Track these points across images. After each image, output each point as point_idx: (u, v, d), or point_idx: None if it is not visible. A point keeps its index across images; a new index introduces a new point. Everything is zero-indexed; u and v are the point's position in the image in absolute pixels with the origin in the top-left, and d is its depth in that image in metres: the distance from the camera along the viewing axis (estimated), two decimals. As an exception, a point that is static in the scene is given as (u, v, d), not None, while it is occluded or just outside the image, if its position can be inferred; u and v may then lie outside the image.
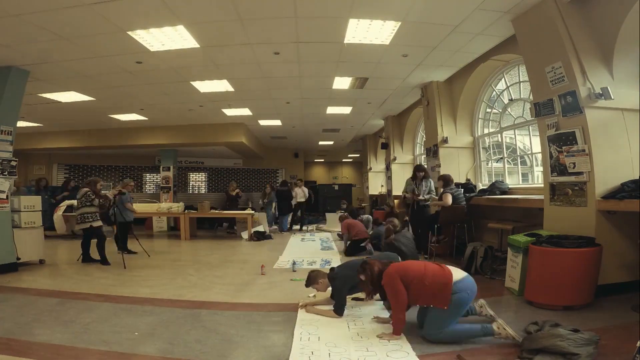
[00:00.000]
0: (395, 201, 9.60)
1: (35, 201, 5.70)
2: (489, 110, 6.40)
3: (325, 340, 2.69)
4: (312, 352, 2.48)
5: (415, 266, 2.83)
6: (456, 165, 6.51)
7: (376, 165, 12.48)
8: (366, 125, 11.27)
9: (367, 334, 2.81)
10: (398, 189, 9.62)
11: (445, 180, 5.67)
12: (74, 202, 8.62)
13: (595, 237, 3.39)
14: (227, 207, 9.90)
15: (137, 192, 13.78)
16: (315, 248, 7.19)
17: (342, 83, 6.86)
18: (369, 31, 4.68)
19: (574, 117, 3.68)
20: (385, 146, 10.05)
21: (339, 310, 3.22)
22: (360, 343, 2.64)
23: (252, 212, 9.09)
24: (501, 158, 6.11)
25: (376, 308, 3.42)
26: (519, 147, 6.01)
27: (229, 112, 8.86)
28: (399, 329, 2.71)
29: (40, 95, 6.89)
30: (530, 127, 5.25)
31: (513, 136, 5.89)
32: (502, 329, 2.57)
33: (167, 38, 4.70)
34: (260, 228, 9.26)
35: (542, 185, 4.23)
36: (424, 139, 7.68)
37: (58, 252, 6.77)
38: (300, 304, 3.47)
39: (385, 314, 3.17)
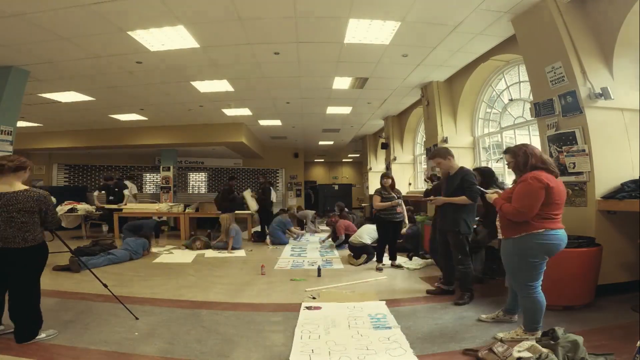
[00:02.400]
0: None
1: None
2: (489, 110, 6.40)
3: (326, 339, 2.70)
4: (313, 351, 2.50)
5: (562, 194, 2.59)
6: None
7: (376, 165, 12.48)
8: (366, 125, 11.27)
9: (367, 332, 2.82)
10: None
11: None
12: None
13: (595, 237, 3.39)
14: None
15: (137, 192, 13.76)
16: (315, 248, 7.19)
17: (342, 83, 6.86)
18: (369, 31, 4.68)
19: (574, 117, 3.68)
20: (385, 146, 10.05)
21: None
22: (360, 342, 2.65)
23: (252, 212, 9.08)
24: (501, 158, 6.11)
25: (377, 303, 3.44)
26: (519, 147, 6.00)
27: (229, 112, 8.86)
28: (495, 201, 2.75)
29: (40, 95, 6.89)
30: (530, 127, 5.25)
31: (513, 136, 5.88)
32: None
33: (167, 38, 4.70)
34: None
35: (542, 185, 4.23)
36: (424, 139, 7.68)
37: (58, 252, 6.75)
38: None
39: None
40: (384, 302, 3.58)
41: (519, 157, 2.66)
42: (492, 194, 2.90)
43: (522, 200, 2.52)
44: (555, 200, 2.54)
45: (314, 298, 3.76)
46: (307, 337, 2.74)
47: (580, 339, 2.22)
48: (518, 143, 2.88)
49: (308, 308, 3.42)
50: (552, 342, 2.23)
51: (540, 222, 2.54)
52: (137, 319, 3.06)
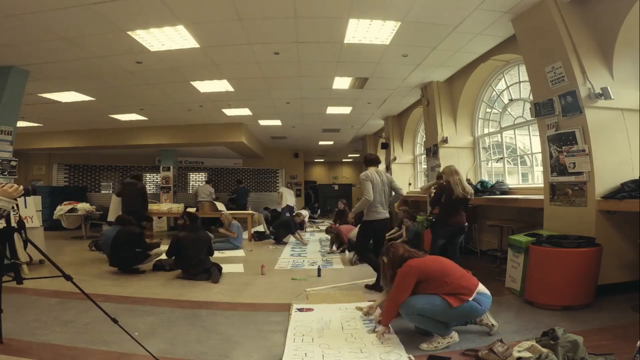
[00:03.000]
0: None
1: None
2: (489, 110, 6.40)
3: (319, 341, 2.68)
4: (306, 354, 2.47)
5: (435, 263, 2.75)
6: (456, 165, 6.49)
7: (376, 165, 12.46)
8: (366, 125, 11.27)
9: (361, 335, 2.81)
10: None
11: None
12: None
13: (595, 237, 3.39)
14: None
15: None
16: (315, 248, 7.19)
17: (342, 83, 6.86)
18: (368, 31, 4.68)
19: (574, 117, 3.68)
20: (385, 146, 10.05)
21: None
22: (354, 344, 2.63)
23: (252, 212, 9.09)
24: (501, 158, 6.11)
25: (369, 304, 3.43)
26: (519, 147, 6.01)
27: (229, 112, 8.86)
28: (386, 321, 2.71)
29: (40, 95, 6.89)
30: (530, 127, 5.25)
31: (513, 136, 5.89)
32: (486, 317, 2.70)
33: (167, 38, 4.70)
34: (260, 228, 9.27)
35: (542, 185, 4.24)
36: (424, 139, 7.68)
37: (58, 252, 6.76)
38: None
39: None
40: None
41: (390, 255, 2.82)
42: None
43: (395, 289, 2.68)
44: (432, 275, 2.63)
45: (307, 298, 3.75)
46: (300, 340, 2.71)
47: (580, 339, 2.22)
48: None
49: (300, 310, 3.39)
50: (552, 342, 2.23)
51: (459, 297, 2.57)
52: (115, 321, 2.71)
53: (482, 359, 2.33)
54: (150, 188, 14.25)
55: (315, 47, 5.20)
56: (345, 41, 4.94)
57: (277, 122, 10.35)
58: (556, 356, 2.14)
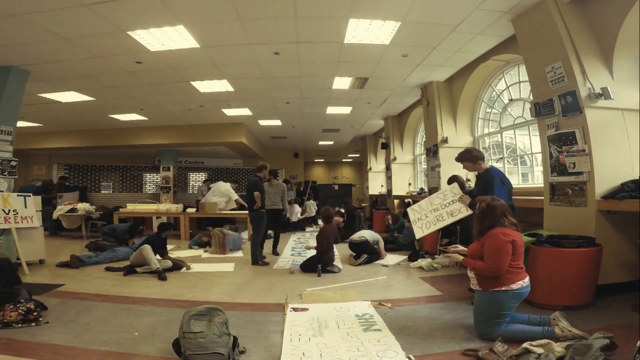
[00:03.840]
0: (396, 201, 9.62)
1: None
2: (489, 110, 6.40)
3: (316, 341, 2.68)
4: (304, 354, 2.46)
5: (521, 243, 2.69)
6: (456, 166, 6.49)
7: (376, 165, 12.49)
8: (366, 125, 11.28)
9: (357, 333, 2.81)
10: (398, 189, 9.65)
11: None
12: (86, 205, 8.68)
13: (595, 237, 3.39)
14: None
15: (137, 192, 13.79)
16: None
17: (342, 83, 6.86)
18: (369, 31, 4.68)
19: (574, 117, 3.68)
20: (385, 146, 10.06)
21: None
22: (351, 343, 2.63)
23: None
24: (501, 158, 6.11)
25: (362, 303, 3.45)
26: (519, 147, 6.01)
27: (229, 112, 8.86)
28: (466, 262, 2.76)
29: (40, 95, 6.89)
30: (530, 127, 5.25)
31: (513, 136, 5.89)
32: (567, 331, 2.55)
33: (167, 38, 4.70)
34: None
35: (542, 185, 4.24)
36: (424, 139, 7.68)
37: (58, 252, 6.76)
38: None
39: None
40: (369, 302, 3.56)
41: (490, 209, 2.76)
42: (454, 254, 3.00)
43: (493, 257, 2.62)
44: (519, 251, 2.68)
45: (299, 296, 3.75)
46: (297, 339, 2.70)
47: (597, 342, 2.18)
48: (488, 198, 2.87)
49: (295, 309, 3.39)
50: (568, 344, 2.26)
51: (514, 276, 2.65)
52: None
53: (482, 359, 2.33)
54: (150, 188, 14.27)
55: (315, 47, 5.20)
56: (345, 41, 4.94)
57: (277, 122, 10.36)
58: (564, 357, 2.15)
